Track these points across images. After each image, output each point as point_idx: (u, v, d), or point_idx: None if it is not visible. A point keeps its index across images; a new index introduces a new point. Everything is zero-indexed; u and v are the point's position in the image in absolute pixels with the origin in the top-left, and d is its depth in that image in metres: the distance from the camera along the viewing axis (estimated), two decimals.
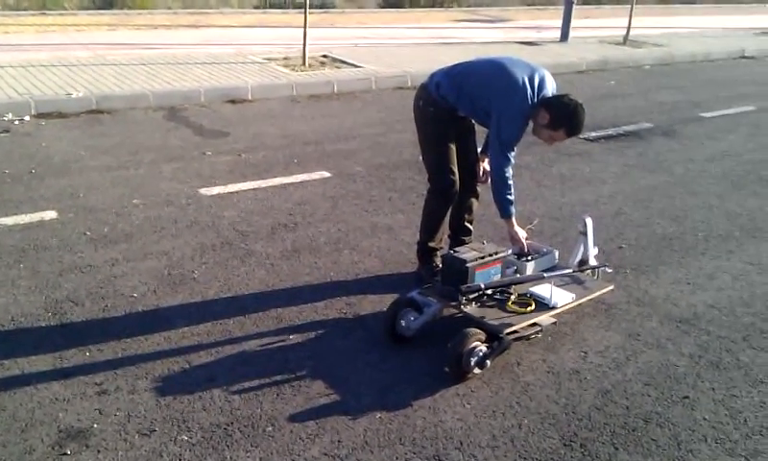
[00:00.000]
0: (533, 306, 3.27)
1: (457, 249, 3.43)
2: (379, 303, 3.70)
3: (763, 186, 5.85)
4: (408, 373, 3.12)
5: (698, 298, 3.92)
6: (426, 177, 3.88)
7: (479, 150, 3.89)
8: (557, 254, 3.74)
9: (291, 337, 3.36)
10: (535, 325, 3.22)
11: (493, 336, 3.08)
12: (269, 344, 3.30)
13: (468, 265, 3.26)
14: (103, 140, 6.25)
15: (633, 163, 6.38)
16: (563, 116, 3.42)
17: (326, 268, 4.10)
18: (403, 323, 3.27)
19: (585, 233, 3.70)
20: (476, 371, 3.04)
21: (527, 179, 5.84)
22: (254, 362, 3.15)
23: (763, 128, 7.83)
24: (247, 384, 2.99)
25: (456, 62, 3.76)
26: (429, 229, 3.90)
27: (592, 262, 3.70)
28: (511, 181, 3.58)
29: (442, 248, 3.95)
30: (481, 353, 3.02)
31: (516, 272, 3.56)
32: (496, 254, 3.39)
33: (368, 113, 7.71)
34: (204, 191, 5.19)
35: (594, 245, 3.76)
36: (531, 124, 3.53)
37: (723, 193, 5.66)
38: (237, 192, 5.21)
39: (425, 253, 3.94)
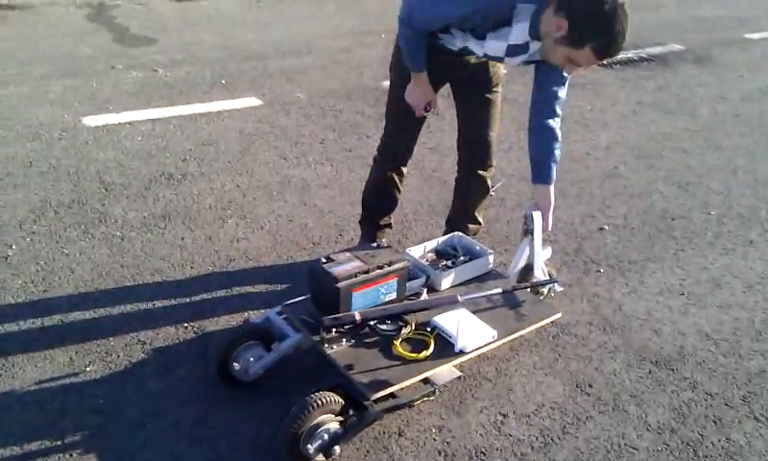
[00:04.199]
0: (430, 349, 2.22)
1: (333, 255, 2.36)
2: (241, 312, 2.70)
3: None
4: (231, 446, 2.14)
5: (691, 320, 2.83)
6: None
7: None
8: (491, 258, 2.66)
9: (89, 368, 2.38)
10: (426, 382, 2.19)
11: (356, 403, 2.06)
12: (51, 380, 2.33)
13: (339, 285, 2.21)
14: None
15: (648, 100, 5.12)
16: (590, 24, 2.01)
17: (195, 246, 3.09)
18: (237, 366, 2.26)
19: (531, 232, 2.59)
20: (320, 459, 2.05)
21: (507, 119, 4.63)
22: (10, 417, 2.18)
23: None
24: None
25: None
26: (364, 195, 3.03)
27: (539, 274, 2.62)
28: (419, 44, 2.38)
29: (389, 224, 3.07)
30: (326, 436, 2.00)
31: (426, 285, 2.51)
32: (389, 265, 2.32)
33: (338, 19, 6.45)
34: (88, 121, 4.15)
35: (544, 246, 2.66)
36: (536, 47, 2.23)
37: (755, 149, 4.42)
38: (130, 124, 4.16)
39: (364, 222, 3.08)
